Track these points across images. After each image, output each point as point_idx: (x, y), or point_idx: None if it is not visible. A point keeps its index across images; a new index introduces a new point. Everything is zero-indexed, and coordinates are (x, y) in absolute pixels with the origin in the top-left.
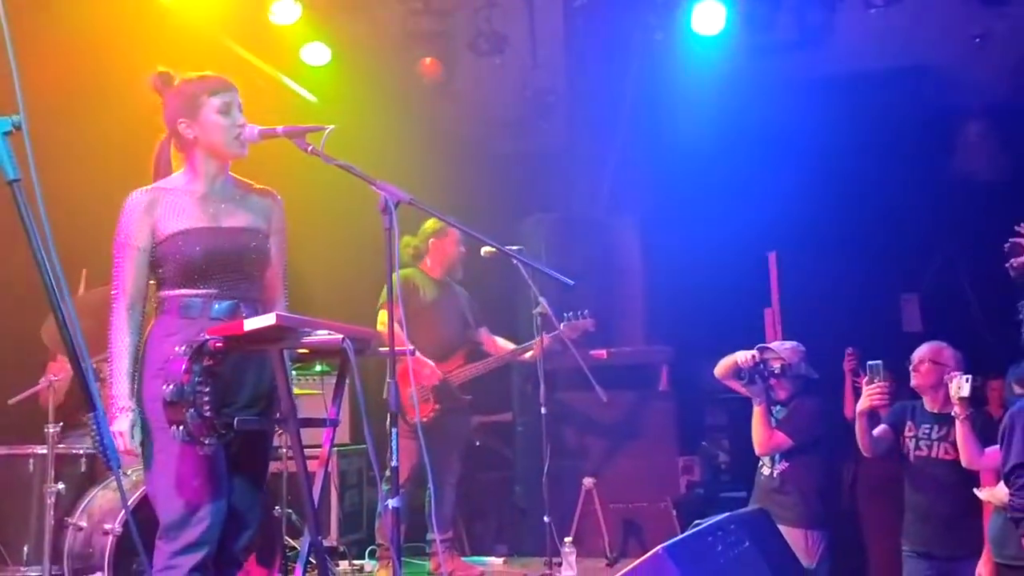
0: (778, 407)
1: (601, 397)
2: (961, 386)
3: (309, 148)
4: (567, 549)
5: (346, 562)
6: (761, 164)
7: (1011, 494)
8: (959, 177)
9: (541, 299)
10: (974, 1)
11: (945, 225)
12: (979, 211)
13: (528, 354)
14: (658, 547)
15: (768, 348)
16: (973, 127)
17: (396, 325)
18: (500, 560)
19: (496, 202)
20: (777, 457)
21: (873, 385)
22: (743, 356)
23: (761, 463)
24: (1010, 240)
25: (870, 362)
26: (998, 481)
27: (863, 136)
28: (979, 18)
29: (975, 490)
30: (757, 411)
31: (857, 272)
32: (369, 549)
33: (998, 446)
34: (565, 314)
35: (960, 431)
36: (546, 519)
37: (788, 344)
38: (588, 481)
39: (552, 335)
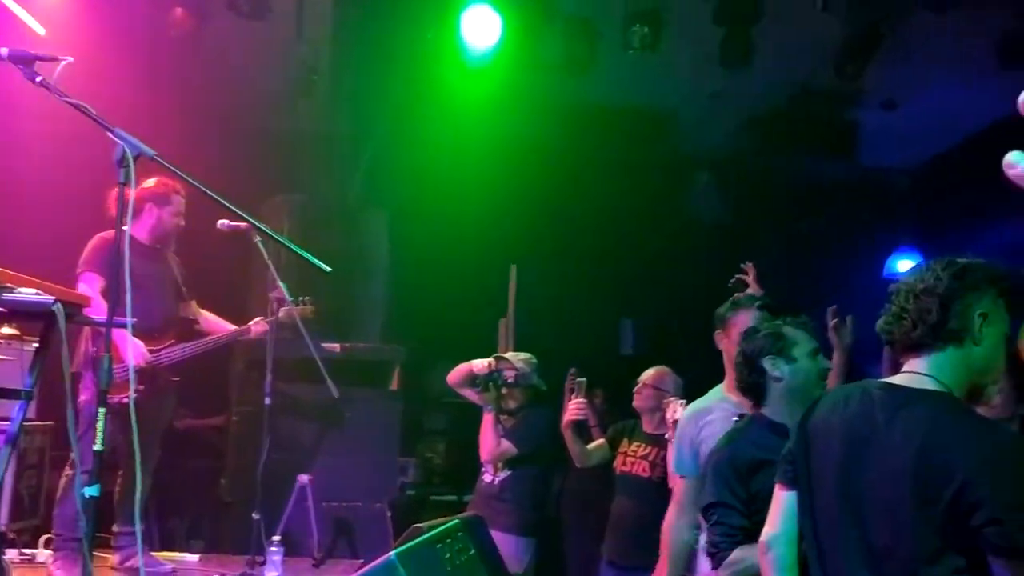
0: (506, 416)
1: (333, 392)
2: (676, 410)
3: (38, 79)
4: (273, 548)
5: (15, 551)
6: (515, 177)
7: (708, 529)
8: (685, 217)
9: (280, 284)
10: (715, 61)
11: (667, 259)
12: (698, 250)
13: (252, 333)
14: (390, 553)
15: (504, 358)
16: (703, 175)
17: (100, 296)
18: (195, 557)
19: (240, 176)
20: (500, 465)
21: (574, 400)
22: (479, 364)
23: (483, 470)
24: (735, 276)
25: (577, 379)
26: None
27: (609, 167)
28: (717, 77)
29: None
30: (487, 419)
31: (586, 293)
32: (45, 538)
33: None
34: (300, 298)
35: (671, 453)
36: (255, 515)
37: (522, 356)
38: (303, 478)
39: (272, 319)
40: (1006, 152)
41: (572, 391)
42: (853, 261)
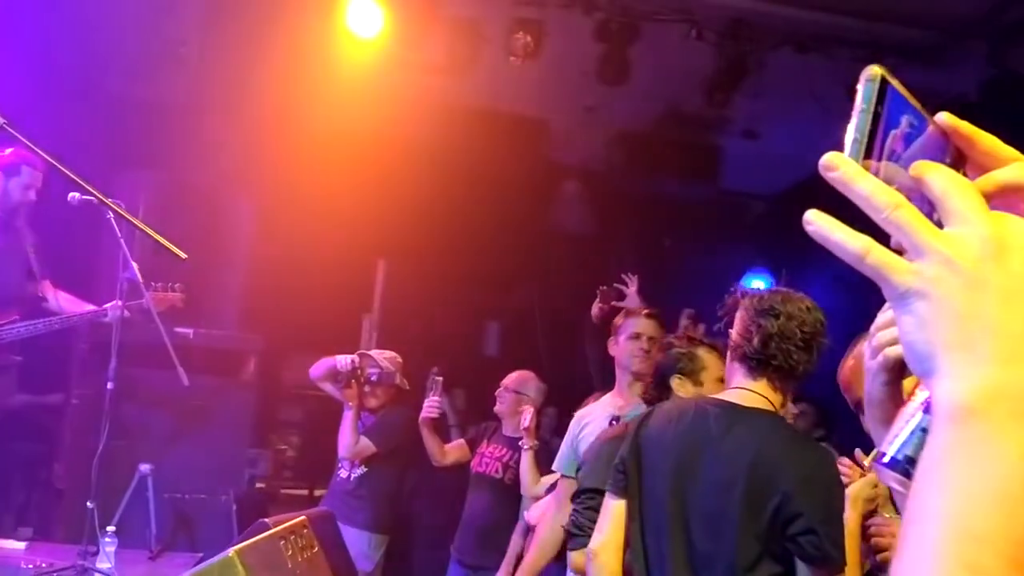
0: (367, 413)
1: (183, 379)
2: (527, 418)
3: None
4: (107, 539)
5: None
6: (388, 172)
7: (574, 510)
8: (552, 225)
9: (132, 263)
10: (592, 74)
11: (533, 264)
12: (563, 258)
13: (108, 317)
14: (228, 549)
15: (368, 355)
16: (571, 185)
17: None
18: (22, 545)
19: (98, 147)
20: (358, 462)
21: (430, 399)
22: (343, 360)
23: (340, 466)
24: (602, 287)
25: (434, 377)
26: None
27: (481, 170)
28: (593, 90)
29: (524, 511)
30: (347, 415)
31: (453, 293)
32: None
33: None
34: (153, 283)
35: (523, 460)
36: (89, 504)
37: (387, 353)
38: (145, 467)
39: (134, 303)
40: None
41: (433, 391)
42: (710, 279)
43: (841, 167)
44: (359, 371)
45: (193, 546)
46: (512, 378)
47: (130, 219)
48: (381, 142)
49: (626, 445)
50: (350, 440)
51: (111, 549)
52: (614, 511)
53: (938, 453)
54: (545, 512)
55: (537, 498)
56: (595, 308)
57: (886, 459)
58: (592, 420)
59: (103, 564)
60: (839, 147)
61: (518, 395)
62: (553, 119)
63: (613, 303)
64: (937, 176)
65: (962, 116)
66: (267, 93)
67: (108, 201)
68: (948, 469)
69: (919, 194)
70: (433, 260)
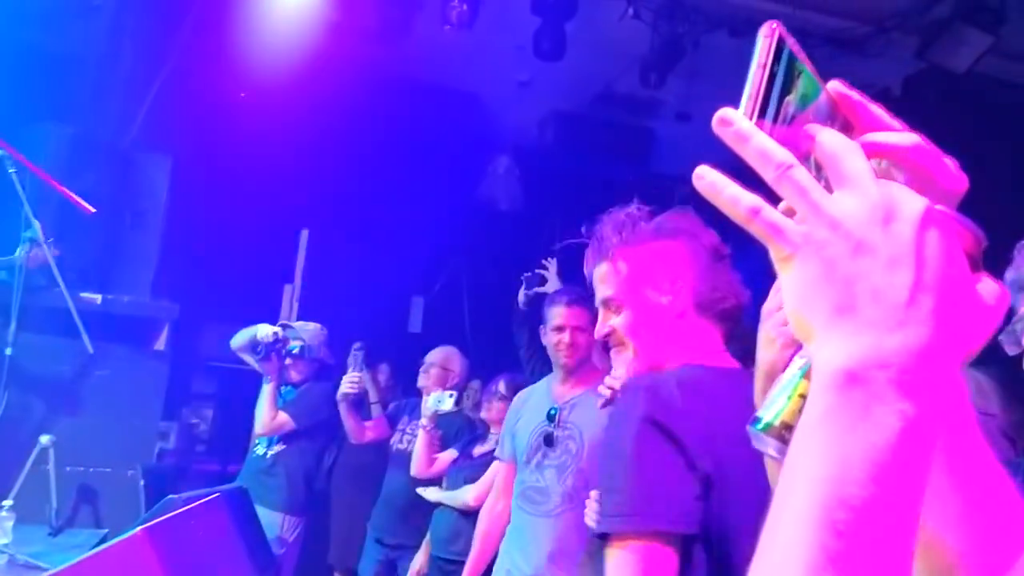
0: (288, 388)
1: (87, 347)
2: (442, 400)
3: None
4: (4, 513)
5: None
6: (314, 140)
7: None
8: (481, 202)
9: (35, 221)
10: (528, 48)
11: (460, 240)
12: (491, 235)
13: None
14: (137, 528)
15: (291, 327)
16: (503, 161)
17: None
18: None
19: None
20: (275, 438)
21: (351, 374)
22: (264, 331)
23: (256, 442)
24: (535, 270)
25: (354, 348)
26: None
27: (411, 142)
28: (528, 65)
29: (418, 489)
30: (266, 389)
31: (378, 267)
32: None
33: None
34: (48, 238)
35: (420, 439)
36: None
37: (311, 326)
38: (46, 438)
39: (12, 259)
40: None
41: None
42: None
43: (737, 122)
44: (280, 343)
45: (97, 522)
46: (438, 354)
47: (34, 169)
48: (307, 107)
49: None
50: (268, 415)
51: (8, 524)
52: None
53: (815, 418)
54: (486, 503)
55: (428, 478)
56: (520, 295)
57: (761, 424)
58: (529, 411)
59: (0, 540)
60: None
61: (444, 371)
62: (486, 93)
63: (536, 289)
64: (830, 138)
65: (884, 109)
66: (186, 49)
67: (10, 152)
68: (824, 435)
69: (804, 162)
70: (358, 232)
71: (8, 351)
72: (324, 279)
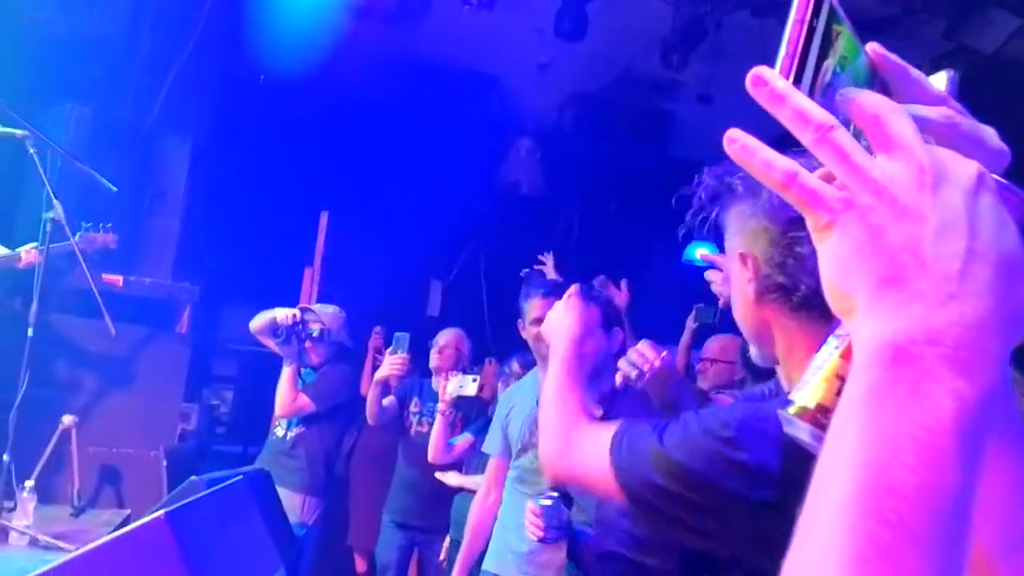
0: (308, 370)
1: (109, 329)
2: (464, 385)
3: None
4: (26, 494)
5: None
6: (334, 122)
7: None
8: (501, 185)
9: (56, 202)
10: (548, 30)
11: (481, 224)
12: (512, 218)
13: (22, 262)
14: (159, 512)
15: (310, 310)
16: (524, 143)
17: None
18: None
19: (23, 77)
20: (295, 420)
21: (396, 356)
22: (283, 314)
23: (276, 424)
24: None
25: (397, 333)
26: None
27: (431, 125)
28: (549, 47)
29: (437, 474)
30: (286, 371)
31: (398, 250)
32: None
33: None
34: (83, 223)
35: (436, 424)
36: (5, 457)
37: (330, 309)
38: (68, 419)
39: (61, 245)
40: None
41: (378, 351)
42: (656, 243)
43: (772, 82)
44: (300, 326)
45: (120, 502)
46: (452, 335)
47: (57, 148)
48: (327, 90)
49: None
50: (288, 398)
51: (30, 505)
52: None
53: (858, 399)
54: (476, 497)
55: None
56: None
57: (795, 408)
58: (520, 402)
59: (20, 521)
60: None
61: (459, 352)
62: (506, 76)
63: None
64: (870, 100)
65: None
66: (206, 31)
67: (32, 133)
68: (869, 416)
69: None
70: (378, 214)
71: (30, 332)
72: (344, 261)
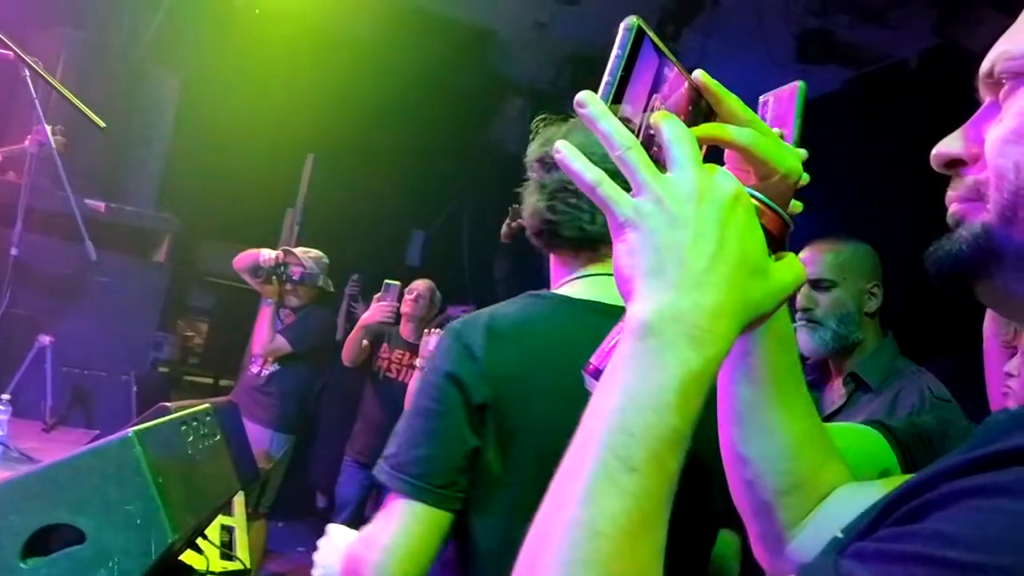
0: (286, 311)
1: (90, 253)
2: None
3: None
4: (1, 407)
5: None
6: (323, 67)
7: None
8: (491, 142)
9: (46, 126)
10: None
11: (466, 178)
12: (500, 175)
13: None
14: (128, 429)
15: (293, 253)
16: (516, 102)
17: None
18: None
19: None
20: (270, 359)
21: (385, 303)
22: (266, 255)
23: (251, 360)
24: (513, 205)
25: (387, 280)
26: None
27: (422, 76)
28: (547, 6)
29: None
30: (265, 311)
31: (381, 197)
32: None
33: None
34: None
35: (415, 379)
36: None
37: (312, 253)
38: (45, 338)
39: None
40: None
41: (353, 299)
42: None
43: (590, 105)
44: (282, 268)
45: (89, 422)
46: (425, 286)
47: (49, 79)
48: (319, 33)
49: None
50: (266, 337)
51: (3, 417)
52: None
53: (618, 362)
54: None
55: None
56: (504, 227)
57: (590, 367)
58: None
59: None
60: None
61: (431, 304)
62: (503, 31)
63: (519, 221)
64: (668, 126)
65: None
66: None
67: (27, 57)
68: (620, 375)
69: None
70: (364, 161)
71: (13, 251)
72: (326, 205)
